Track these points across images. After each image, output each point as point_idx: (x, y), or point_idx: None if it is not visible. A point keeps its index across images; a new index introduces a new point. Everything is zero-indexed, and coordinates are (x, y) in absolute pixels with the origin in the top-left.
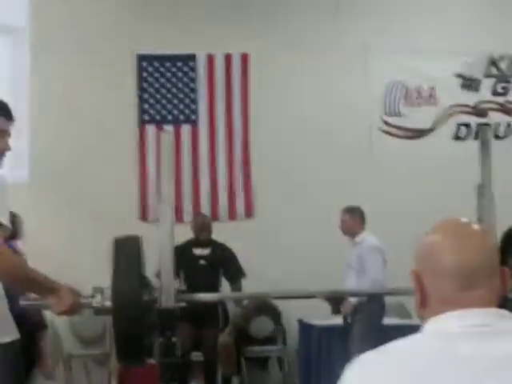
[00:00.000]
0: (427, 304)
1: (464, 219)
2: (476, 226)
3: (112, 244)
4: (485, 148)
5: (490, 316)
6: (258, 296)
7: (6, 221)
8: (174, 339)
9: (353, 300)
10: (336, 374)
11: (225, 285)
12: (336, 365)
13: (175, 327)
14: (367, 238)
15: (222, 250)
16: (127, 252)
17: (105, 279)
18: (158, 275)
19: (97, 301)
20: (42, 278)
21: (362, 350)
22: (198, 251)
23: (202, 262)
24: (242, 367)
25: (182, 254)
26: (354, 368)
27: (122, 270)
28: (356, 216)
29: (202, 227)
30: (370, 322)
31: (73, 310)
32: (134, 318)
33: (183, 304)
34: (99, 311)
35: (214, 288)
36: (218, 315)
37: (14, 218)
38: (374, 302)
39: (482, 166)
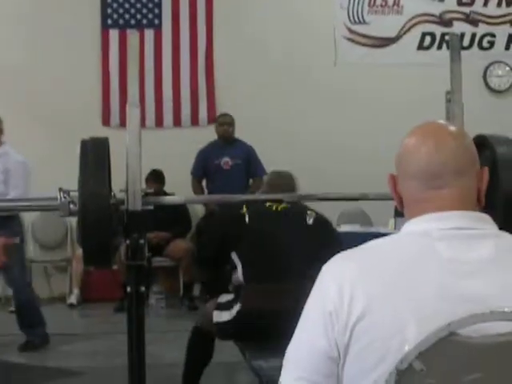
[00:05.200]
0: (405, 205)
1: (440, 122)
2: (446, 127)
3: (80, 146)
4: (455, 54)
5: (468, 219)
6: (224, 201)
7: None
8: (141, 241)
9: None
10: None
11: None
12: None
13: (143, 230)
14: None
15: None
16: (95, 154)
17: (68, 183)
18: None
19: (63, 203)
20: None
21: None
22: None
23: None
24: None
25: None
26: (336, 265)
27: (89, 172)
28: None
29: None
30: None
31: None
32: (101, 220)
33: (151, 207)
34: (65, 213)
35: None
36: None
37: None
38: None
39: (451, 72)
